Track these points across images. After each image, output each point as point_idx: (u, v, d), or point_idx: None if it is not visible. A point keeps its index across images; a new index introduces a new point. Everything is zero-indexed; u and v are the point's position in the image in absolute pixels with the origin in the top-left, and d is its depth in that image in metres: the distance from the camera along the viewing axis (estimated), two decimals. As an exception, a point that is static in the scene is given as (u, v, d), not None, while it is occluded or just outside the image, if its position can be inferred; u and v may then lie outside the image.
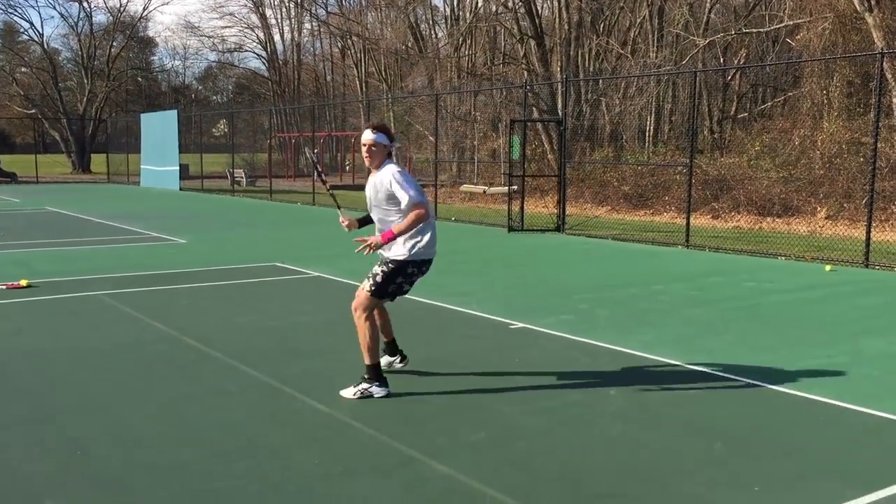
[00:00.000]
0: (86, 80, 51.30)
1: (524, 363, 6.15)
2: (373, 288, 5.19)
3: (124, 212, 20.14)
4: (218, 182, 33.08)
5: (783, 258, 12.01)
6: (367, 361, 5.24)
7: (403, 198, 5.06)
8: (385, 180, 5.12)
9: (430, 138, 29.05)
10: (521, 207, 16.02)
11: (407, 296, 5.58)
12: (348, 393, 5.27)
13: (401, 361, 5.81)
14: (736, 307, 8.38)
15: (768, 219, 16.56)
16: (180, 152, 31.76)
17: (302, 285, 9.65)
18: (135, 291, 9.01)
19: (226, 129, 50.16)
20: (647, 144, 27.05)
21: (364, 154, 5.20)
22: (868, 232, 11.30)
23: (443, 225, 17.26)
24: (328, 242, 14.21)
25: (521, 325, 7.39)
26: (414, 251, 5.17)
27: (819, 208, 16.41)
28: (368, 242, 5.12)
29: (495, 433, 4.65)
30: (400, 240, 5.13)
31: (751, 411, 5.07)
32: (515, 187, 16.39)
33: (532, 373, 5.86)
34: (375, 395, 5.24)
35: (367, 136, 5.17)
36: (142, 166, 34.59)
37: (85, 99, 50.92)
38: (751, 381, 5.64)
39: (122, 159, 37.68)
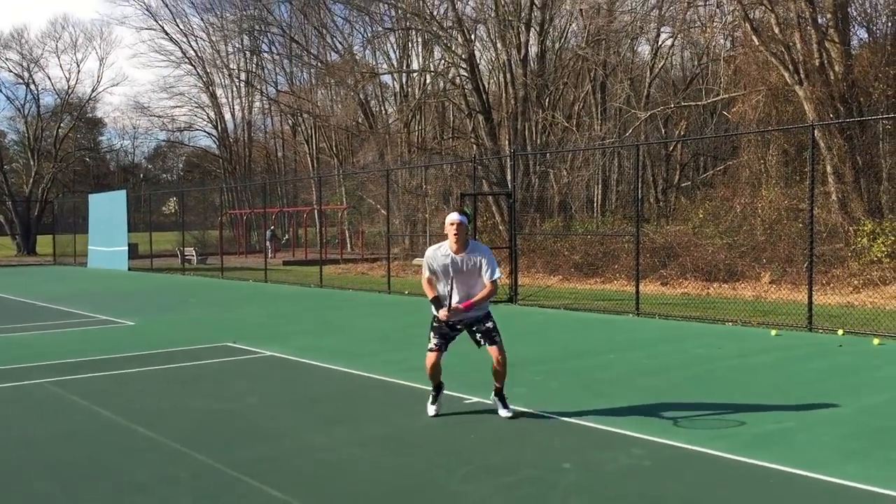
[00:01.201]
0: (32, 162, 50.72)
1: (479, 439, 6.13)
2: (501, 338, 6.61)
3: (70, 294, 19.74)
4: (168, 261, 32.71)
5: (730, 323, 12.25)
6: (503, 384, 6.74)
7: (489, 273, 6.43)
8: (479, 259, 6.45)
9: (383, 212, 29.22)
10: (474, 280, 16.10)
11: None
12: (509, 412, 6.65)
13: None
14: (686, 375, 8.50)
15: (715, 284, 16.92)
16: (129, 231, 31.38)
17: (255, 366, 9.52)
18: (81, 378, 8.79)
19: (176, 207, 49.82)
20: (595, 214, 27.65)
21: (452, 232, 6.42)
22: (810, 296, 11.62)
23: (396, 299, 17.26)
24: (281, 320, 14.08)
25: (475, 399, 7.38)
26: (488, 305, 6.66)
27: (763, 273, 16.85)
28: (455, 309, 6.45)
29: (452, 513, 4.60)
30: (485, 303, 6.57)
31: (705, 480, 5.11)
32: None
33: (487, 449, 5.84)
34: None
35: (455, 217, 6.44)
36: (89, 247, 34.06)
37: (31, 180, 50.26)
38: (703, 450, 5.69)
39: (69, 240, 37.10)
